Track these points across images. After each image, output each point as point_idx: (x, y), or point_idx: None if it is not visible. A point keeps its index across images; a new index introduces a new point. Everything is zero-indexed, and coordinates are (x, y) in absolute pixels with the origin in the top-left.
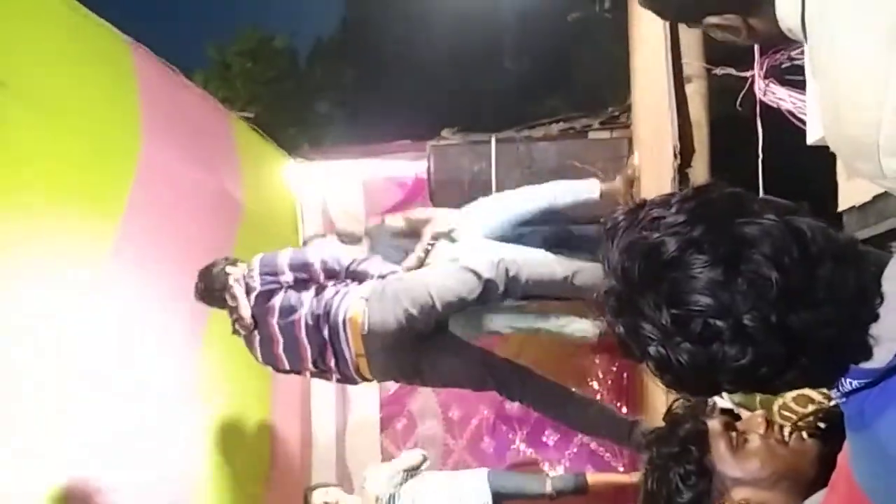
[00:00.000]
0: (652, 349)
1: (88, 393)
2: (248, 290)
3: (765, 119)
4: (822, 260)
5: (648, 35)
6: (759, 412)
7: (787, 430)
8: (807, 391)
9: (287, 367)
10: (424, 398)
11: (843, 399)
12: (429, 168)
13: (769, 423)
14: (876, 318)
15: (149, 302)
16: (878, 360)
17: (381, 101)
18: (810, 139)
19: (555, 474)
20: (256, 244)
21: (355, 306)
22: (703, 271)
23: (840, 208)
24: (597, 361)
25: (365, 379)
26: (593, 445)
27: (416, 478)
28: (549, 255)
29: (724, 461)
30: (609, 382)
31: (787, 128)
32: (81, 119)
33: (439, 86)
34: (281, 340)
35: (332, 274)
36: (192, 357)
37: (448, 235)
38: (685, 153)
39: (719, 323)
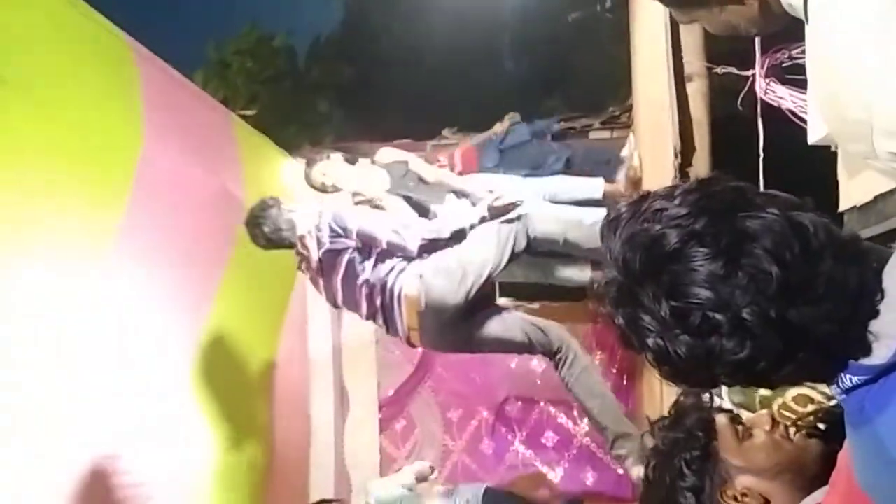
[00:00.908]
0: (650, 341)
1: (86, 392)
2: (319, 244)
3: (766, 118)
4: (824, 256)
5: (649, 34)
6: (766, 411)
7: (791, 430)
8: (807, 391)
9: (343, 307)
10: (424, 399)
11: (844, 395)
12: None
13: (775, 421)
14: (876, 314)
15: (148, 300)
16: (878, 356)
17: (381, 101)
18: (811, 138)
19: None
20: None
21: (411, 284)
22: (704, 264)
23: (841, 208)
24: (597, 363)
25: (412, 346)
26: (593, 447)
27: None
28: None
29: (729, 450)
30: (608, 383)
31: (788, 127)
32: (83, 117)
33: (439, 85)
34: (341, 294)
35: (395, 249)
36: (189, 360)
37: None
38: (686, 152)
39: (718, 316)
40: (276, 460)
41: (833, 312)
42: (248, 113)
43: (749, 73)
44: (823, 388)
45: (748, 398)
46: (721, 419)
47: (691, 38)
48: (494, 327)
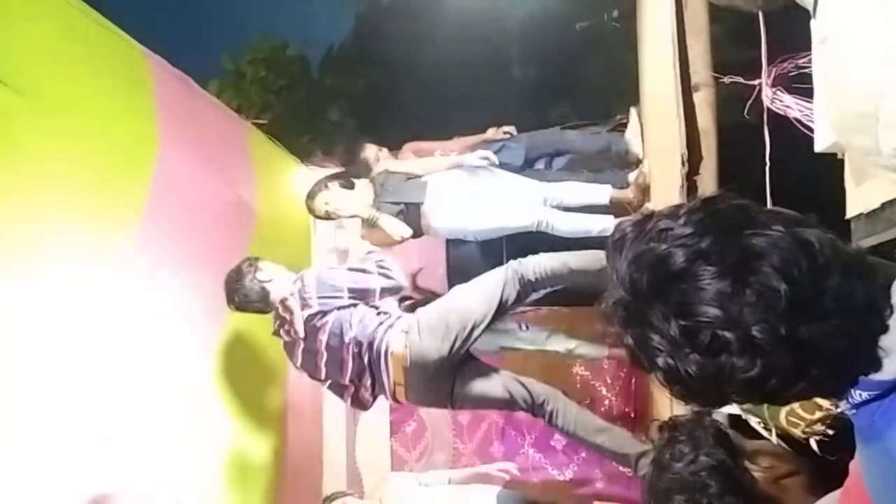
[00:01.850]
0: (660, 360)
1: (102, 393)
2: (303, 306)
3: (772, 127)
4: (831, 271)
5: (656, 44)
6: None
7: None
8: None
9: (323, 378)
10: None
11: (854, 411)
12: None
13: None
14: (885, 329)
15: (164, 306)
16: (889, 371)
17: (392, 109)
18: (818, 147)
19: None
20: (269, 250)
21: (397, 340)
22: (712, 283)
23: (848, 215)
24: (605, 367)
25: (398, 402)
26: None
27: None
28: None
29: None
30: (617, 388)
31: (794, 135)
32: (98, 127)
33: (448, 94)
34: (325, 356)
35: (390, 292)
36: (204, 366)
37: None
38: (693, 161)
39: (727, 334)
40: (289, 462)
41: (842, 328)
42: (262, 121)
43: (756, 82)
44: None
45: (756, 405)
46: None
47: (698, 47)
48: (476, 384)
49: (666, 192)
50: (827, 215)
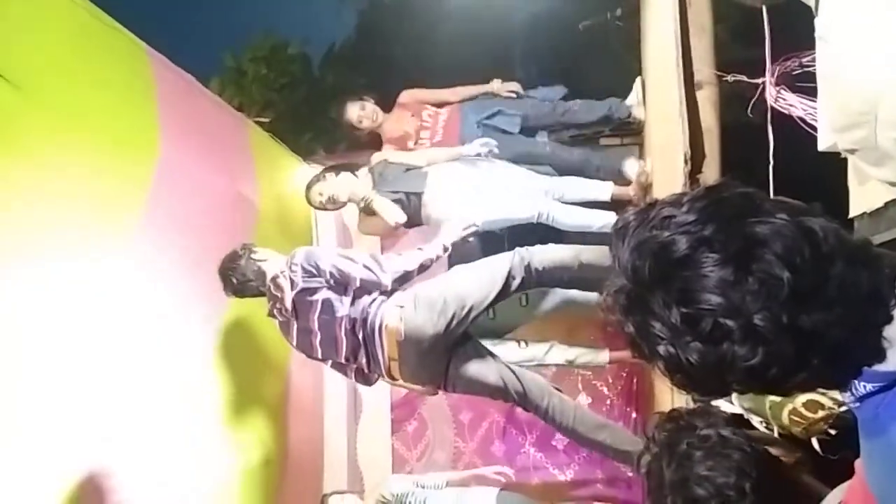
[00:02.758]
0: (661, 348)
1: (102, 392)
2: (293, 284)
3: (776, 125)
4: (834, 260)
5: (660, 43)
6: None
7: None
8: (817, 397)
9: (320, 357)
10: (435, 401)
11: (857, 403)
12: None
13: None
14: (890, 320)
15: (164, 303)
16: (893, 362)
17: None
18: (821, 145)
19: None
20: (271, 246)
21: (391, 314)
22: (714, 270)
23: (851, 214)
24: (607, 366)
25: (393, 379)
26: None
27: (428, 490)
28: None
29: None
30: (619, 387)
31: (798, 134)
32: (100, 124)
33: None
34: (319, 334)
35: (369, 287)
36: (204, 361)
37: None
38: (696, 159)
39: (729, 322)
40: (290, 461)
41: (845, 317)
42: (263, 120)
43: (759, 80)
44: (834, 394)
45: (758, 404)
46: None
47: (702, 46)
48: (471, 367)
49: (669, 190)
50: (830, 214)
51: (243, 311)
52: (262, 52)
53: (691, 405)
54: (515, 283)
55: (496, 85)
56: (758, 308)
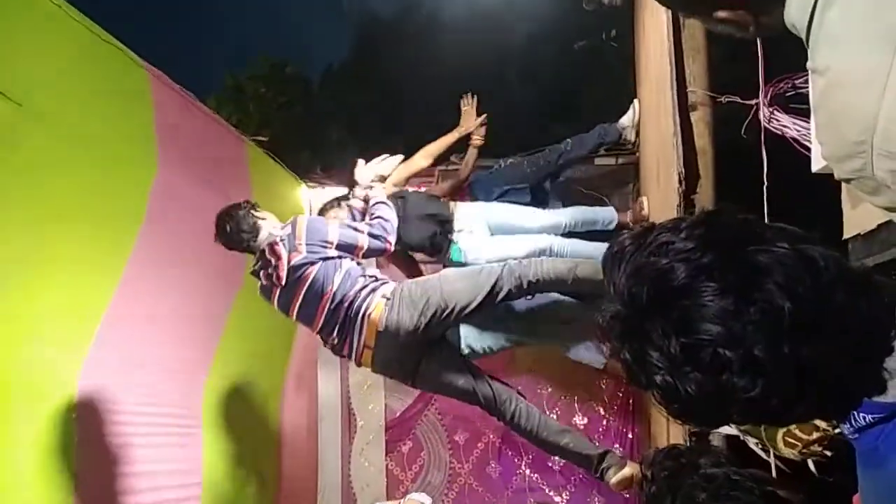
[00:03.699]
0: (659, 378)
1: (99, 414)
2: (291, 251)
3: (769, 146)
4: (835, 290)
5: (654, 64)
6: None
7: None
8: None
9: (296, 320)
10: (430, 421)
11: (856, 435)
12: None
13: None
14: (891, 350)
15: (160, 323)
16: (893, 394)
17: (391, 127)
18: (815, 167)
19: None
20: None
21: (377, 304)
22: (714, 299)
23: (845, 236)
24: (603, 387)
25: (359, 365)
26: None
27: None
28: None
29: None
30: (615, 407)
31: (791, 155)
32: (97, 142)
33: (447, 112)
34: (300, 303)
35: (373, 254)
36: (200, 380)
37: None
38: (690, 180)
39: (729, 353)
40: (285, 482)
41: (846, 348)
42: (261, 138)
43: (753, 102)
44: None
45: (754, 426)
46: None
47: (696, 67)
48: (442, 367)
49: (664, 211)
50: (824, 236)
51: (238, 332)
52: (260, 71)
53: (687, 433)
54: (503, 293)
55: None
56: (758, 338)
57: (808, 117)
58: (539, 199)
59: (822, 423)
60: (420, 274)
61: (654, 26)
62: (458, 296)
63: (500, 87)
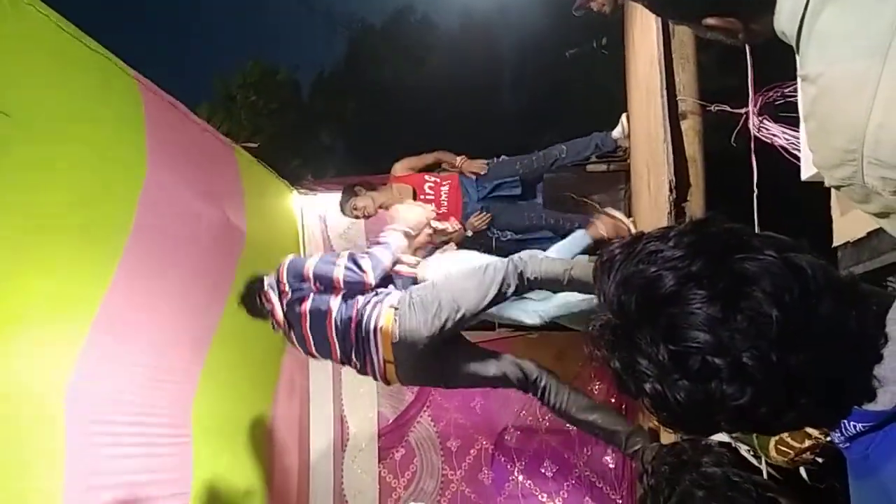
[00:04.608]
0: (648, 386)
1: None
2: (281, 295)
3: (759, 155)
4: (823, 298)
5: (644, 72)
6: None
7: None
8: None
9: (319, 358)
10: (423, 428)
11: (847, 444)
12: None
13: None
14: (880, 359)
15: (151, 328)
16: (883, 402)
17: (382, 134)
18: (804, 175)
19: None
20: (258, 272)
21: (386, 315)
22: (702, 307)
23: (834, 244)
24: (595, 392)
25: (388, 382)
26: (592, 478)
27: None
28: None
29: None
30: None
31: (781, 163)
32: (86, 151)
33: (440, 118)
34: (312, 340)
35: (354, 288)
36: (191, 388)
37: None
38: (681, 187)
39: (718, 360)
40: (276, 489)
41: (834, 356)
42: (252, 145)
43: (742, 110)
44: None
45: (745, 434)
46: None
47: (685, 75)
48: (469, 362)
49: (654, 219)
50: (813, 244)
51: (229, 338)
52: (251, 78)
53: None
54: (511, 290)
55: (460, 161)
56: (746, 346)
57: (797, 126)
58: (531, 195)
59: (813, 431)
60: None
61: (645, 34)
62: (469, 298)
63: (492, 94)
